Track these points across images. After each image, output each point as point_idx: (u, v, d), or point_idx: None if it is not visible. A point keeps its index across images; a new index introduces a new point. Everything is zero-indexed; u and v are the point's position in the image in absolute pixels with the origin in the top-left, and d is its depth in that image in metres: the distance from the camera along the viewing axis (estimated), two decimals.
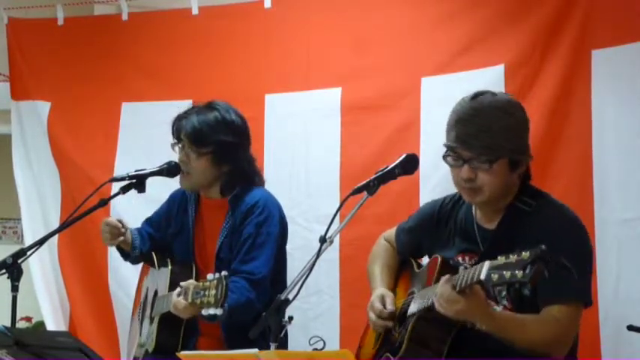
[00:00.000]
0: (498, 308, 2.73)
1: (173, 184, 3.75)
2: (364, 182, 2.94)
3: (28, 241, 5.25)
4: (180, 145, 3.60)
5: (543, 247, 2.30)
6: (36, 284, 5.31)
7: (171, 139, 3.64)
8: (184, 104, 4.00)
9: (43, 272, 5.33)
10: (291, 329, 2.96)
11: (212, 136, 3.53)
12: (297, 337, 3.54)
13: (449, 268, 2.77)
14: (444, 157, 2.83)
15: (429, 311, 2.72)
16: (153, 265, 3.74)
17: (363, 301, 3.09)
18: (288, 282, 3.37)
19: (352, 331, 4.16)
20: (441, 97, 3.99)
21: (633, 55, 3.77)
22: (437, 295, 2.60)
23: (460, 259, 2.87)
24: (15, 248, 3.46)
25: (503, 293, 2.73)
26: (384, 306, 2.98)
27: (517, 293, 2.49)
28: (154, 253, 3.75)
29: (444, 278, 2.60)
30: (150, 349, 3.55)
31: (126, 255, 3.82)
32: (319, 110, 4.62)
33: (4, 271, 3.30)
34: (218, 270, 3.16)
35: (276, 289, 3.31)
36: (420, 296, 2.86)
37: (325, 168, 4.54)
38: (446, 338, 2.76)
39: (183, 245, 3.69)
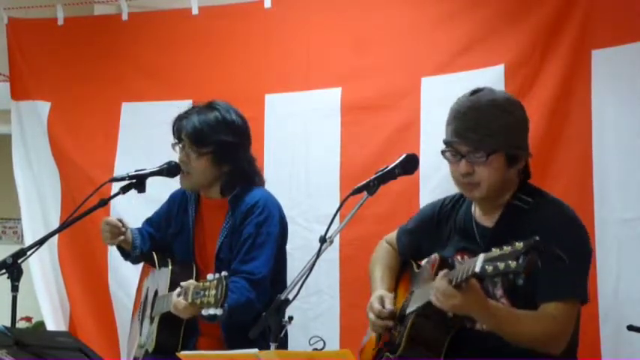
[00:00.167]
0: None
1: (173, 184, 3.75)
2: (364, 182, 2.94)
3: (28, 241, 5.25)
4: (180, 145, 3.60)
5: (537, 237, 2.32)
6: (36, 284, 5.31)
7: (171, 139, 3.64)
8: (184, 104, 4.00)
9: (43, 272, 5.33)
10: (291, 329, 2.96)
11: (212, 136, 3.53)
12: (297, 337, 3.54)
13: (447, 265, 2.77)
14: (443, 153, 2.84)
15: (427, 308, 2.72)
16: (153, 265, 3.74)
17: (363, 301, 3.09)
18: (288, 282, 3.37)
19: (352, 331, 4.18)
20: (441, 97, 3.97)
21: (633, 55, 3.77)
22: (434, 289, 2.61)
23: (459, 257, 2.87)
24: (15, 248, 3.46)
25: (499, 293, 2.75)
26: (383, 306, 2.99)
27: (512, 286, 2.53)
28: (154, 253, 3.75)
29: (441, 273, 2.61)
30: (150, 349, 3.55)
31: (126, 255, 3.82)
32: (319, 110, 4.62)
33: (4, 271, 3.31)
34: (218, 270, 3.17)
35: (276, 289, 3.31)
36: (419, 294, 2.86)
37: (325, 168, 4.54)
38: (445, 336, 2.77)
39: (184, 245, 3.69)
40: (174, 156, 3.64)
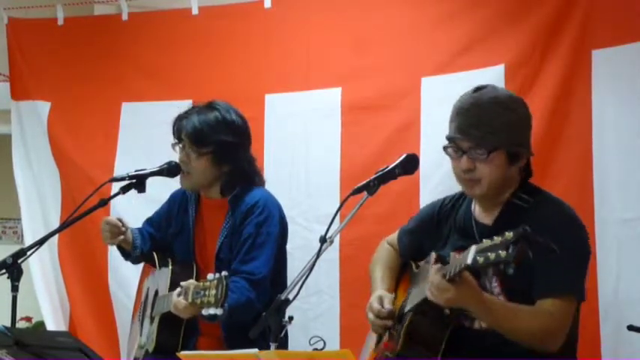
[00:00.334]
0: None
1: (173, 184, 3.75)
2: (364, 182, 2.94)
3: (28, 241, 5.25)
4: (180, 145, 3.60)
5: (527, 227, 2.33)
6: (36, 284, 5.31)
7: (171, 139, 3.64)
8: (184, 104, 4.00)
9: (43, 272, 5.33)
10: (291, 329, 2.96)
11: (212, 136, 3.53)
12: (297, 337, 3.54)
13: (444, 263, 2.78)
14: (445, 149, 2.85)
15: (424, 304, 2.73)
16: (154, 265, 3.74)
17: (363, 301, 3.09)
18: (288, 282, 3.37)
19: (352, 331, 4.18)
20: (441, 97, 3.99)
21: (633, 55, 3.77)
22: (429, 284, 2.62)
23: (457, 255, 2.87)
24: (15, 248, 3.46)
25: (497, 290, 2.75)
26: (382, 306, 2.99)
27: (509, 283, 2.54)
28: (154, 253, 3.75)
29: (435, 267, 2.62)
30: (150, 349, 3.55)
31: (127, 254, 3.82)
32: (319, 110, 4.62)
33: (4, 271, 3.31)
34: (218, 270, 3.17)
35: (276, 289, 3.31)
36: (417, 292, 2.87)
37: (325, 168, 4.54)
38: (443, 332, 2.77)
39: (184, 245, 3.69)
40: (175, 156, 3.64)
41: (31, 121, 5.44)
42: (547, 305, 2.68)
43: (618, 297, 3.74)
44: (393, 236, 3.28)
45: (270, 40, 4.80)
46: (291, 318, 2.77)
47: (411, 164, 3.00)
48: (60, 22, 5.38)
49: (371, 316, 3.00)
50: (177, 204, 3.78)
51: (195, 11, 5.02)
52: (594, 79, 3.86)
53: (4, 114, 5.64)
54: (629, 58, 3.78)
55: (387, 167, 2.97)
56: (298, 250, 4.02)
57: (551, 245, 2.33)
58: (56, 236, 4.94)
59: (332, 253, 4.24)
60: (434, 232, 3.04)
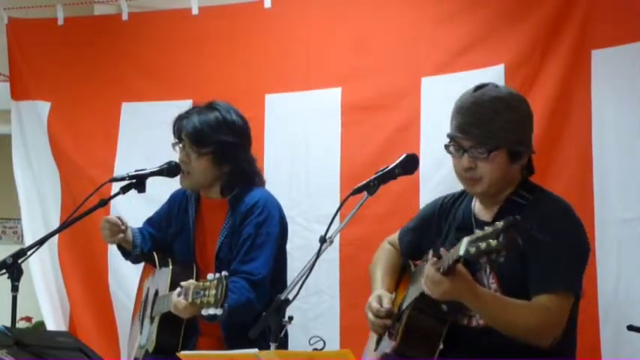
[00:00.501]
0: None
1: (173, 184, 3.75)
2: (364, 182, 2.95)
3: (28, 241, 5.25)
4: (180, 145, 3.60)
5: (517, 216, 2.35)
6: (36, 284, 5.31)
7: (171, 139, 3.64)
8: (184, 104, 4.01)
9: (43, 272, 5.33)
10: (291, 329, 2.96)
11: (213, 137, 3.54)
12: (297, 337, 3.54)
13: (441, 258, 2.78)
14: (447, 147, 2.85)
15: (421, 300, 2.74)
16: (154, 265, 3.74)
17: (363, 301, 3.09)
18: (288, 282, 3.37)
19: (352, 331, 4.18)
20: (441, 97, 3.99)
21: (633, 55, 3.77)
22: (424, 278, 2.63)
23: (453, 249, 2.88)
24: (15, 248, 3.46)
25: (494, 287, 2.75)
26: (381, 305, 2.99)
27: (507, 279, 2.55)
28: (155, 253, 3.75)
29: (430, 261, 2.62)
30: (150, 349, 3.56)
31: (127, 254, 3.82)
32: (319, 110, 4.62)
33: (4, 271, 3.31)
34: (218, 270, 3.17)
35: (276, 289, 3.31)
36: (414, 289, 2.88)
37: (325, 168, 4.54)
38: (441, 329, 2.78)
39: (184, 245, 3.69)
40: (175, 156, 3.64)
41: (31, 121, 5.43)
42: (543, 300, 2.68)
43: (618, 297, 3.73)
44: (394, 236, 3.28)
45: (270, 40, 4.80)
46: (291, 318, 2.78)
47: (410, 164, 3.00)
48: (60, 22, 5.38)
49: (370, 315, 3.00)
50: (177, 204, 3.78)
51: (195, 11, 5.02)
52: (594, 79, 3.86)
53: (4, 114, 5.64)
54: (629, 58, 3.78)
55: (387, 167, 2.98)
56: (298, 250, 4.03)
57: (541, 234, 2.33)
58: (56, 236, 4.94)
59: (332, 253, 4.24)
60: (434, 229, 3.04)
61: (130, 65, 5.18)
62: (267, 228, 3.54)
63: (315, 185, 4.58)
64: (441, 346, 2.78)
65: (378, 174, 2.96)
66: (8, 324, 3.24)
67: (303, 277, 2.82)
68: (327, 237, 2.84)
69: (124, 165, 4.86)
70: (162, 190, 3.94)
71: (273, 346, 2.74)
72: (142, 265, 3.95)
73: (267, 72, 4.78)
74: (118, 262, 4.51)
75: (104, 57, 5.25)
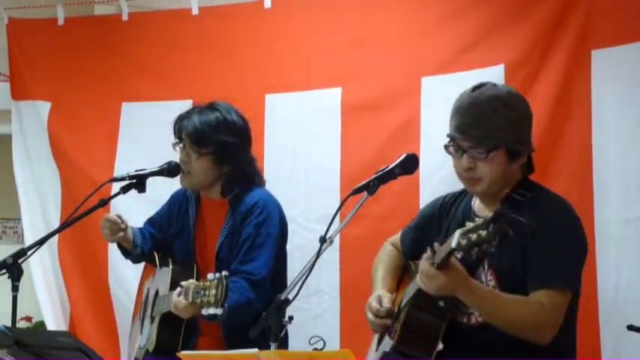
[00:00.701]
0: None
1: (173, 184, 3.75)
2: (364, 182, 2.95)
3: (28, 241, 5.25)
4: (181, 145, 3.60)
5: (506, 206, 2.39)
6: (36, 284, 5.31)
7: (171, 139, 3.65)
8: (184, 104, 4.01)
9: (43, 272, 5.33)
10: (291, 329, 2.96)
11: (213, 137, 3.54)
12: (297, 337, 3.53)
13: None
14: (446, 148, 2.85)
15: (418, 296, 2.75)
16: (154, 265, 3.74)
17: (363, 301, 3.09)
18: (288, 282, 3.37)
19: (352, 331, 4.18)
20: (442, 96, 3.98)
21: (633, 55, 3.77)
22: (419, 274, 2.63)
23: None
24: (15, 248, 3.46)
25: (492, 284, 2.75)
26: (381, 305, 2.99)
27: (505, 275, 2.57)
28: (155, 253, 3.75)
29: (424, 256, 2.62)
30: (150, 349, 3.56)
31: (127, 253, 3.82)
32: (319, 110, 4.62)
33: (4, 271, 3.31)
34: (218, 270, 3.17)
35: (276, 289, 3.31)
36: (412, 287, 2.88)
37: (325, 168, 4.54)
38: (439, 325, 2.78)
39: (184, 245, 3.69)
40: (175, 156, 3.64)
41: (31, 121, 5.44)
42: (540, 296, 2.68)
43: (618, 297, 3.74)
44: (396, 237, 3.28)
45: (270, 40, 4.80)
46: (291, 318, 2.78)
47: (410, 164, 3.00)
48: (60, 22, 5.38)
49: (370, 315, 3.00)
50: (177, 204, 3.79)
51: (195, 11, 5.02)
52: (594, 78, 3.86)
53: (4, 114, 5.63)
54: (629, 58, 3.79)
55: (387, 167, 2.98)
56: (298, 250, 4.02)
57: (532, 224, 2.34)
58: (56, 236, 4.94)
59: (332, 253, 4.24)
60: (435, 227, 3.04)
61: (130, 65, 5.18)
62: (267, 228, 3.54)
63: (315, 185, 4.58)
64: (441, 346, 2.78)
65: (378, 174, 2.96)
66: (8, 324, 3.24)
67: (303, 277, 2.82)
68: (327, 237, 2.84)
69: (124, 165, 4.86)
70: (162, 190, 3.94)
71: (273, 346, 2.74)
72: (142, 265, 3.95)
73: (267, 72, 4.78)
74: (118, 262, 4.52)
75: (104, 57, 5.25)
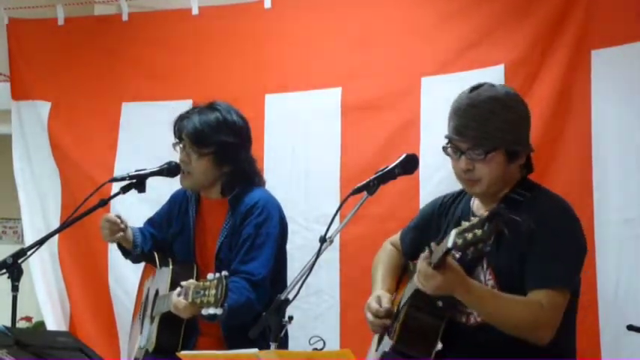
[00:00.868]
0: None
1: (173, 184, 3.75)
2: (364, 182, 2.95)
3: (28, 241, 5.25)
4: (181, 145, 3.60)
5: (502, 205, 2.39)
6: (36, 284, 5.31)
7: (171, 139, 3.64)
8: (184, 104, 4.01)
9: (43, 272, 5.33)
10: (291, 329, 2.97)
11: (213, 137, 3.54)
12: (297, 337, 3.53)
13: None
14: (444, 149, 2.85)
15: (416, 296, 2.75)
16: (154, 265, 3.75)
17: (363, 301, 3.09)
18: (288, 282, 3.37)
19: (352, 331, 4.18)
20: (441, 96, 3.96)
21: (633, 55, 3.77)
22: (416, 274, 2.63)
23: None
24: (15, 248, 3.46)
25: (490, 283, 2.75)
26: (380, 305, 2.99)
27: (503, 274, 2.56)
28: (155, 253, 3.75)
29: (421, 256, 2.62)
30: (150, 349, 3.56)
31: (127, 253, 3.82)
32: (319, 110, 4.62)
33: (4, 271, 3.31)
34: (218, 270, 3.17)
35: (276, 289, 3.31)
36: (410, 287, 2.88)
37: (325, 168, 4.54)
38: (437, 325, 2.78)
39: (184, 245, 3.69)
40: (175, 156, 3.64)
41: (31, 121, 5.44)
42: (538, 296, 2.68)
43: (618, 297, 3.73)
44: (396, 237, 3.28)
45: (270, 40, 4.80)
46: (291, 318, 2.78)
47: (410, 164, 3.00)
48: (60, 22, 5.38)
49: (369, 315, 3.00)
50: (177, 204, 3.79)
51: (195, 11, 5.02)
52: (594, 79, 3.85)
53: (4, 114, 5.64)
54: (629, 58, 3.78)
55: (387, 167, 2.98)
56: (298, 250, 4.02)
57: (529, 223, 2.34)
58: (56, 236, 4.93)
59: (332, 253, 4.24)
60: (434, 227, 3.04)
61: (130, 65, 5.18)
62: (267, 228, 3.54)
63: (315, 185, 4.58)
64: (440, 346, 2.78)
65: (378, 174, 2.96)
66: (8, 324, 3.24)
67: (303, 277, 2.82)
68: (327, 237, 2.84)
69: (124, 165, 4.86)
70: (162, 190, 3.94)
71: (273, 346, 2.74)
72: (142, 264, 3.95)
73: (267, 72, 4.78)
74: (118, 262, 4.52)
75: (104, 57, 5.25)
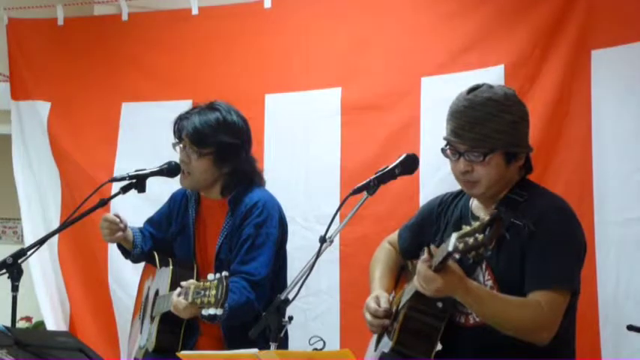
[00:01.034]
0: None
1: (173, 184, 3.75)
2: (364, 182, 2.95)
3: (28, 241, 5.26)
4: (181, 145, 3.60)
5: (502, 209, 2.40)
6: (36, 284, 5.31)
7: (171, 139, 3.64)
8: (184, 104, 4.01)
9: (43, 272, 5.33)
10: (291, 329, 2.97)
11: (213, 137, 3.53)
12: (297, 337, 3.54)
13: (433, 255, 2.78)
14: (443, 151, 2.85)
15: (416, 298, 2.74)
16: (154, 265, 3.74)
17: (363, 301, 3.09)
18: (288, 282, 3.37)
19: (352, 331, 4.18)
20: (441, 97, 3.95)
21: (633, 55, 3.77)
22: (417, 276, 2.63)
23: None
24: (15, 248, 3.46)
25: (489, 284, 2.75)
26: (379, 305, 2.99)
27: (500, 273, 2.56)
28: (155, 253, 3.75)
29: (421, 258, 2.62)
30: (150, 349, 3.56)
31: (127, 253, 3.82)
32: (319, 110, 4.62)
33: (4, 271, 3.31)
34: (218, 270, 3.17)
35: (276, 289, 3.31)
36: (410, 288, 2.87)
37: (325, 168, 4.54)
38: (437, 326, 2.78)
39: (184, 245, 3.69)
40: (175, 156, 3.64)
41: (31, 121, 5.44)
42: (537, 297, 2.68)
43: (618, 297, 3.73)
44: (394, 235, 3.28)
45: (270, 40, 4.80)
46: (290, 318, 2.78)
47: (410, 164, 3.00)
48: (60, 22, 5.38)
49: (368, 316, 3.00)
50: (177, 204, 3.79)
51: (195, 11, 5.02)
52: (594, 79, 3.85)
53: (4, 114, 5.64)
54: (629, 58, 3.78)
55: (387, 167, 2.98)
56: (298, 250, 4.01)
57: (529, 226, 2.34)
58: (56, 236, 4.94)
59: (332, 253, 4.25)
60: (433, 226, 3.04)
61: (130, 65, 5.18)
62: (267, 228, 3.54)
63: (315, 185, 4.58)
64: (440, 347, 2.78)
65: (378, 174, 2.96)
66: (8, 324, 3.24)
67: (303, 277, 2.82)
68: (327, 237, 2.85)
69: (124, 165, 4.86)
70: (162, 190, 3.94)
71: (273, 346, 2.74)
72: (142, 264, 3.95)
73: (267, 72, 4.78)
74: (118, 262, 4.52)
75: (104, 57, 5.25)
